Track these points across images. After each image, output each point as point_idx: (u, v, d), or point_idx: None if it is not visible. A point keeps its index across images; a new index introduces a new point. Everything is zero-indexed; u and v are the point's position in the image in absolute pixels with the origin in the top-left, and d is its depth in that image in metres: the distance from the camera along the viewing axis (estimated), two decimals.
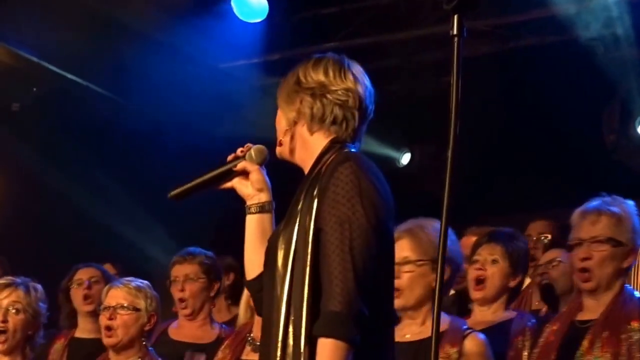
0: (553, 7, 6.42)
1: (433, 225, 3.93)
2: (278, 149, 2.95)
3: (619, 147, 7.10)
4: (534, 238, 5.60)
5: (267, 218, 2.97)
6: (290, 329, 2.65)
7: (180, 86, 7.36)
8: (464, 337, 3.89)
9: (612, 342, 3.67)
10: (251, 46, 7.46)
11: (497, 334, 4.22)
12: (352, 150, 2.82)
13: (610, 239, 3.78)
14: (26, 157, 7.42)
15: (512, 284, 4.50)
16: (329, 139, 2.85)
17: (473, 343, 3.89)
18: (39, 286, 4.64)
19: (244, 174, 3.00)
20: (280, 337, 2.66)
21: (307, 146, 2.88)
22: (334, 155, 2.79)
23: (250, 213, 2.98)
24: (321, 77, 2.86)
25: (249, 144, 3.03)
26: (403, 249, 3.88)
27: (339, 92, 2.85)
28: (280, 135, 2.93)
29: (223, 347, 4.65)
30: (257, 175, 2.98)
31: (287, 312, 2.66)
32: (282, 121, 2.93)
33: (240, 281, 5.32)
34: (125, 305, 4.56)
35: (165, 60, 7.08)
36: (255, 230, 2.96)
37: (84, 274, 5.50)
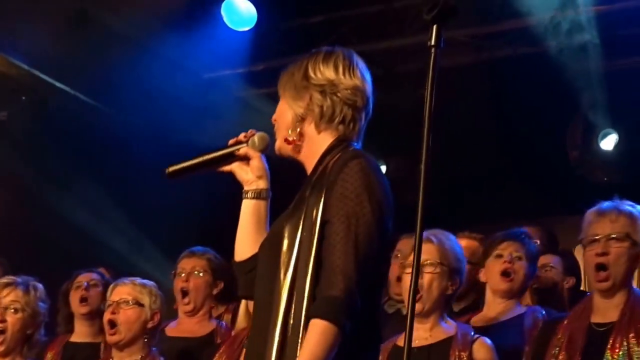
0: (526, 19, 6.46)
1: (453, 237, 4.17)
2: (279, 144, 2.95)
3: (583, 163, 7.14)
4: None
5: (262, 205, 3.01)
6: (292, 315, 2.69)
7: (169, 95, 7.37)
8: (473, 341, 4.02)
9: (632, 346, 3.70)
10: (237, 55, 7.46)
11: (510, 330, 4.36)
12: (358, 148, 2.88)
13: (629, 237, 3.82)
14: (14, 166, 7.42)
15: (530, 283, 4.67)
16: (334, 137, 2.88)
17: (482, 349, 4.03)
18: (39, 285, 4.67)
19: (245, 159, 3.01)
20: (279, 321, 2.69)
21: (312, 143, 2.89)
22: (341, 152, 2.83)
23: (246, 198, 3.00)
24: (332, 73, 2.87)
25: (252, 130, 3.04)
26: (429, 252, 4.04)
27: (349, 92, 2.87)
28: (283, 130, 2.93)
29: (220, 351, 4.70)
30: (258, 162, 3.00)
31: (289, 298, 2.70)
32: (286, 115, 2.93)
33: (227, 287, 5.36)
34: (129, 300, 4.58)
35: (153, 68, 7.11)
36: (250, 215, 3.00)
37: (83, 278, 5.53)
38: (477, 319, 4.54)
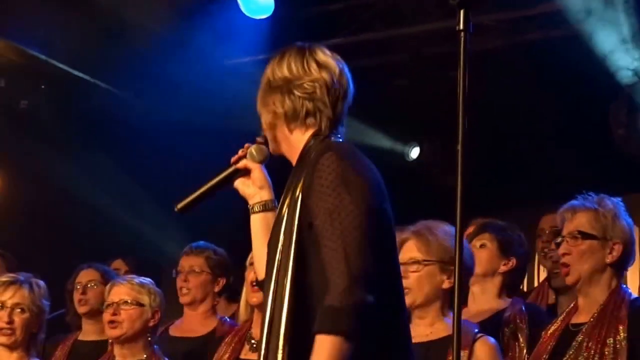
0: (558, 2, 6.41)
1: (442, 228, 3.97)
2: (271, 147, 2.98)
3: (629, 141, 7.08)
4: (547, 231, 5.60)
5: (270, 216, 2.95)
6: (273, 328, 2.65)
7: (188, 82, 7.38)
8: (475, 340, 3.88)
9: (598, 347, 3.67)
10: (257, 42, 7.45)
11: (493, 325, 4.28)
12: (333, 139, 2.81)
13: (582, 233, 3.82)
14: (35, 154, 7.45)
15: (504, 267, 4.62)
16: (308, 132, 2.85)
17: (485, 348, 3.88)
18: (41, 282, 4.67)
19: (246, 173, 3.01)
20: (265, 332, 2.68)
21: (290, 144, 2.89)
22: (317, 146, 2.80)
23: (254, 212, 3.00)
24: (285, 73, 2.89)
25: (247, 144, 3.05)
26: (410, 250, 3.92)
27: (305, 85, 2.84)
28: (269, 136, 2.96)
29: (222, 344, 4.65)
30: (258, 173, 3.00)
31: (272, 311, 2.66)
32: (262, 118, 2.95)
33: (237, 279, 5.35)
34: (128, 301, 4.58)
35: (172, 56, 7.11)
36: (260, 229, 2.98)
37: (82, 277, 5.53)
38: (463, 315, 4.47)
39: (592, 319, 3.75)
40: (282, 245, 2.69)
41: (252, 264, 4.57)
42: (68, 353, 5.38)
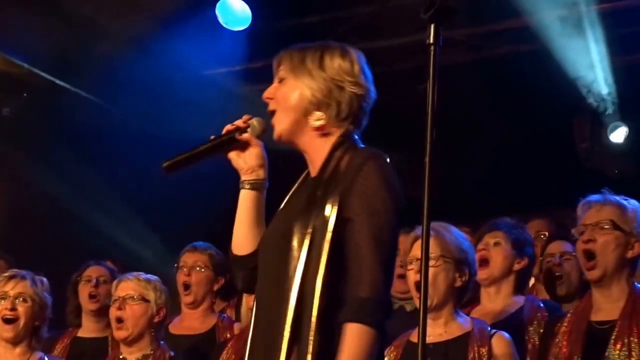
0: (525, 18, 6.51)
1: (455, 229, 4.09)
2: (280, 129, 2.88)
3: (592, 155, 7.16)
4: (533, 236, 5.72)
5: (260, 196, 2.94)
6: (305, 314, 2.66)
7: (167, 92, 7.42)
8: (491, 336, 3.95)
9: (637, 342, 3.69)
10: (234, 54, 7.51)
11: (511, 326, 4.26)
12: (366, 147, 2.88)
13: (613, 223, 3.84)
14: (17, 162, 7.49)
15: (517, 266, 4.59)
16: (340, 131, 2.86)
17: (502, 344, 3.95)
18: (44, 279, 4.71)
19: (243, 146, 2.95)
20: (289, 317, 2.67)
21: (316, 134, 2.86)
22: (350, 150, 2.82)
23: (245, 188, 2.95)
24: (348, 69, 2.87)
25: (248, 115, 2.98)
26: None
27: (362, 89, 2.88)
28: (290, 112, 2.87)
29: (226, 347, 4.72)
30: (258, 149, 2.96)
31: (300, 295, 2.67)
32: (295, 98, 2.87)
33: (228, 282, 5.41)
34: (134, 296, 4.62)
35: (151, 66, 7.14)
36: (250, 207, 2.94)
37: (93, 272, 5.56)
38: (476, 314, 4.49)
39: (621, 316, 3.75)
40: (312, 238, 2.70)
41: None
42: (68, 349, 5.40)
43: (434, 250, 3.94)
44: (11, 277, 4.64)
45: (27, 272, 4.70)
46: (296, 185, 2.97)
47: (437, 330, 3.93)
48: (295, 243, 2.71)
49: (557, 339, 3.91)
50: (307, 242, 2.70)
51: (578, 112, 7.08)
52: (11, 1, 6.75)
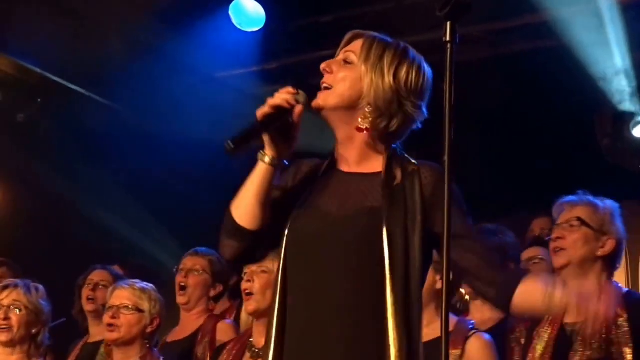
0: (544, 13, 6.47)
1: None
2: (326, 105, 2.81)
3: (614, 151, 7.13)
4: (536, 234, 5.67)
5: (275, 175, 2.82)
6: (409, 319, 2.70)
7: (180, 95, 7.42)
8: (467, 337, 3.91)
9: (602, 344, 3.73)
10: (248, 55, 7.50)
11: (499, 334, 4.26)
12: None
13: (581, 220, 3.91)
14: (32, 167, 7.51)
15: None
16: (386, 141, 2.87)
17: (478, 345, 3.91)
18: (40, 286, 4.72)
19: (287, 121, 2.80)
20: (393, 311, 2.67)
21: (366, 137, 2.84)
22: (408, 161, 2.87)
23: (264, 162, 2.80)
24: (419, 90, 2.86)
25: (290, 88, 2.83)
26: None
27: (416, 112, 2.87)
28: (344, 94, 2.81)
29: (224, 352, 4.68)
30: (297, 131, 2.83)
31: (405, 305, 2.69)
32: (354, 86, 2.82)
33: (226, 289, 5.42)
34: (129, 306, 4.61)
35: (165, 69, 7.15)
36: (265, 182, 2.80)
37: (96, 276, 5.64)
38: None
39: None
40: (408, 245, 2.72)
41: (245, 273, 4.62)
42: (77, 356, 5.46)
43: None
44: (5, 287, 4.67)
45: (22, 280, 4.73)
46: (320, 174, 2.89)
47: (425, 331, 3.86)
48: (388, 250, 2.67)
49: (533, 342, 3.96)
50: (402, 251, 2.69)
51: (599, 107, 7.04)
52: (24, 7, 6.75)
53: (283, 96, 2.80)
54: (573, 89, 6.69)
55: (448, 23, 2.61)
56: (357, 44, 2.88)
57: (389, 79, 2.81)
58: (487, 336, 3.98)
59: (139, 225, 7.60)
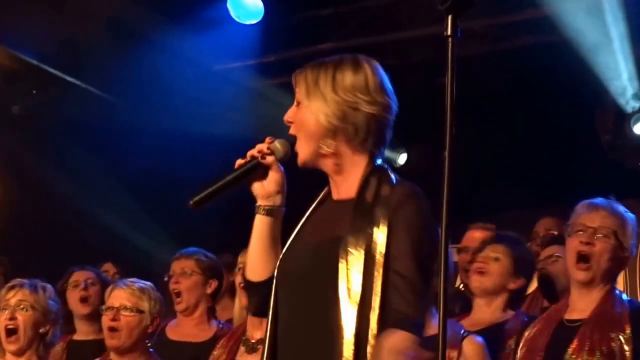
0: (546, 7, 6.44)
1: None
2: (307, 154, 2.83)
3: (616, 147, 7.12)
4: (541, 234, 5.64)
5: (275, 222, 2.87)
6: (362, 334, 2.64)
7: (177, 88, 7.41)
8: (462, 339, 3.95)
9: (603, 344, 3.69)
10: (247, 48, 7.48)
11: (493, 335, 4.27)
12: (391, 173, 2.84)
13: (615, 234, 3.81)
14: (27, 160, 7.48)
15: (513, 285, 4.57)
16: (367, 154, 2.81)
17: (472, 346, 3.96)
18: (48, 286, 4.65)
19: (264, 171, 2.86)
20: (349, 340, 2.64)
21: (345, 161, 2.82)
22: (388, 180, 2.79)
23: (259, 214, 2.87)
24: (362, 88, 2.79)
25: (270, 138, 2.88)
26: None
27: (379, 108, 2.80)
28: (309, 139, 2.82)
29: (218, 346, 4.67)
30: (278, 175, 2.87)
31: (359, 317, 2.64)
32: (311, 123, 2.81)
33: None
34: (128, 306, 4.54)
35: (162, 62, 7.14)
36: (264, 233, 2.87)
37: (79, 276, 5.54)
38: (465, 323, 4.48)
39: (591, 315, 3.76)
40: (365, 263, 2.68)
41: (240, 268, 4.60)
42: (65, 354, 5.37)
43: None
44: (12, 287, 4.61)
45: (30, 280, 4.66)
46: (314, 205, 2.90)
47: None
48: (343, 265, 2.67)
49: (528, 333, 3.92)
50: (360, 265, 2.66)
51: (600, 103, 7.02)
52: None
53: (259, 146, 2.86)
54: (574, 84, 6.67)
55: (449, 17, 2.56)
56: (298, 83, 2.86)
57: (330, 96, 2.78)
58: (479, 338, 4.01)
59: (132, 219, 7.58)
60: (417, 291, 2.65)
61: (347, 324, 2.63)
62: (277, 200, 2.87)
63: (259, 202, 2.87)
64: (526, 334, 3.94)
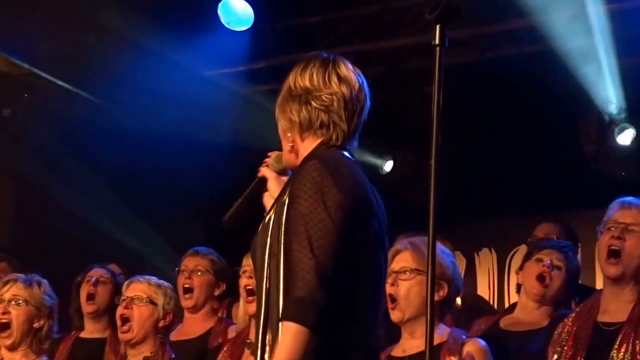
0: (531, 18, 6.50)
1: (437, 244, 4.02)
2: (284, 157, 2.99)
3: (599, 157, 7.15)
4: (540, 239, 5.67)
5: None
6: (268, 323, 2.75)
7: (168, 93, 7.42)
8: (464, 343, 3.93)
9: None
10: (237, 54, 7.50)
11: (537, 340, 4.23)
12: (336, 151, 2.88)
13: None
14: (18, 162, 7.47)
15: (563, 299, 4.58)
16: (316, 143, 2.90)
17: (472, 348, 3.93)
18: (44, 280, 4.65)
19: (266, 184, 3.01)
20: (260, 332, 2.77)
21: (299, 153, 2.93)
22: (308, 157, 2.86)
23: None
24: (307, 83, 2.91)
25: (271, 153, 3.07)
26: (404, 260, 3.98)
27: (323, 97, 2.89)
28: (284, 144, 2.97)
29: (223, 351, 4.70)
30: (273, 183, 3.00)
31: (267, 305, 2.75)
32: (280, 129, 2.98)
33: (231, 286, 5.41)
34: (142, 297, 4.59)
35: (153, 67, 7.13)
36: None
37: (94, 273, 5.56)
38: (506, 320, 4.52)
39: (629, 318, 3.74)
40: (270, 248, 2.77)
41: (245, 271, 4.64)
42: (70, 350, 5.39)
43: (409, 263, 3.95)
44: (6, 282, 4.62)
45: (25, 275, 4.66)
46: None
47: (415, 343, 3.91)
48: (258, 256, 2.83)
49: (562, 337, 3.88)
50: (267, 254, 2.78)
51: (585, 113, 7.06)
52: (11, 1, 6.73)
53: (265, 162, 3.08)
54: (559, 94, 6.72)
55: (437, 26, 2.61)
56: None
57: (285, 94, 2.95)
58: (482, 342, 4.00)
59: (123, 222, 7.58)
60: (306, 270, 2.65)
61: (261, 311, 2.79)
62: None
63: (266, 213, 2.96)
64: (562, 332, 3.90)
